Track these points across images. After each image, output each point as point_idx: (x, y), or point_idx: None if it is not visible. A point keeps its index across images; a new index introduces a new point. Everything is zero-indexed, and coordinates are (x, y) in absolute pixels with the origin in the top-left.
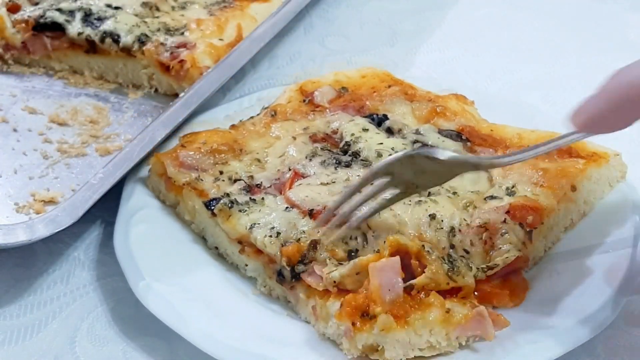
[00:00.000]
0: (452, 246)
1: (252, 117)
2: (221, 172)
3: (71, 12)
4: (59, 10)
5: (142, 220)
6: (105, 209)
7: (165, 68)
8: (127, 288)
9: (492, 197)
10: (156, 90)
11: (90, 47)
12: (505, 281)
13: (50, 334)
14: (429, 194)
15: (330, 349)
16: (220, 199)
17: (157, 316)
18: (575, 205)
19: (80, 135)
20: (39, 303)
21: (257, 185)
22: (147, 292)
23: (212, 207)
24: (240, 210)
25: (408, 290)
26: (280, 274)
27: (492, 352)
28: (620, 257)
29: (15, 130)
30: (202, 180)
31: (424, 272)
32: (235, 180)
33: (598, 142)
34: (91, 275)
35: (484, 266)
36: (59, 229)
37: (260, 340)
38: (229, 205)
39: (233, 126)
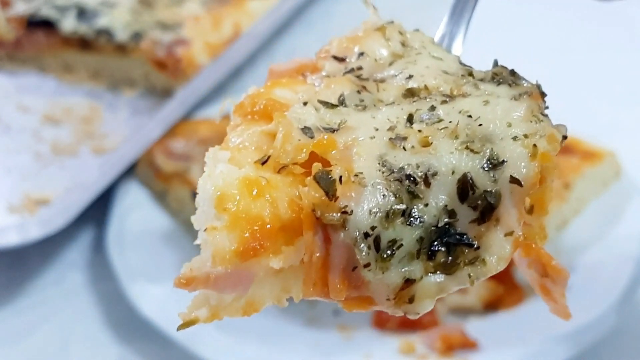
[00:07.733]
0: None
1: None
2: None
3: (65, 9)
4: (54, 6)
5: (135, 222)
6: (99, 209)
7: (161, 65)
8: (121, 290)
9: None
10: (152, 87)
11: (85, 44)
12: (498, 285)
13: (43, 337)
14: None
15: (328, 351)
16: None
17: (151, 319)
18: (568, 204)
19: (74, 134)
20: (32, 306)
21: None
22: (140, 295)
23: None
24: None
25: None
26: None
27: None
28: (624, 260)
29: (8, 128)
30: (190, 170)
31: None
32: None
33: (593, 140)
34: (85, 277)
35: None
36: (52, 232)
37: (256, 344)
38: None
39: (225, 117)
